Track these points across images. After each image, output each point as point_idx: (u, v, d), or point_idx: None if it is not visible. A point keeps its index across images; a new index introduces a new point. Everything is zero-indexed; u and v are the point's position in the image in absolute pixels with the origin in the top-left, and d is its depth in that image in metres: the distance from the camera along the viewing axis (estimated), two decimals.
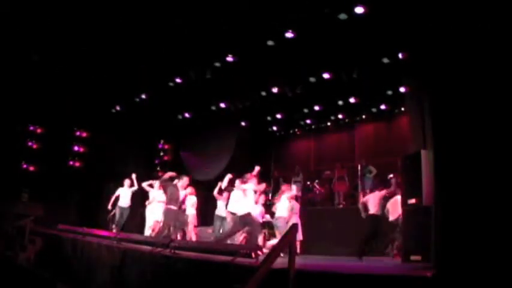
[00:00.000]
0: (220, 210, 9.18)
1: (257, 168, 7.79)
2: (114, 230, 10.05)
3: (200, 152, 14.57)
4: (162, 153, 15.42)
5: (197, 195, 9.87)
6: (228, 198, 8.35)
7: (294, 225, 4.50)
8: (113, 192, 10.77)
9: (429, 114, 4.78)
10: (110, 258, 7.50)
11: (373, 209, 8.15)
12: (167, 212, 8.08)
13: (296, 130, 15.55)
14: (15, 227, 10.23)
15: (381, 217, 8.23)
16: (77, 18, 8.40)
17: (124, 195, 10.58)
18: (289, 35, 8.62)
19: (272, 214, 9.86)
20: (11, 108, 11.41)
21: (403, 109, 11.69)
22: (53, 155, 12.95)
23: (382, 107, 12.67)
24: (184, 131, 14.70)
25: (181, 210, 9.02)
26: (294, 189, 10.61)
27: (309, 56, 9.49)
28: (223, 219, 8.95)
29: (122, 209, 10.52)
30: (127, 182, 10.73)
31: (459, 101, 3.41)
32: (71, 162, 13.49)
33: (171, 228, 8.12)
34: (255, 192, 7.88)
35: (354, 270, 4.81)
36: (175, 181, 8.47)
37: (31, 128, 12.77)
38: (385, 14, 7.67)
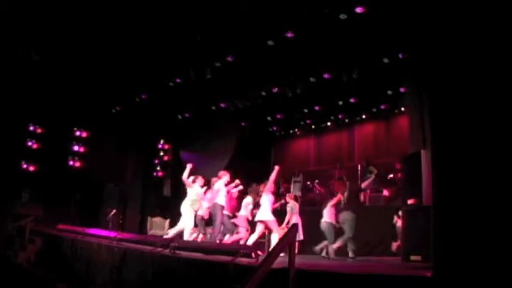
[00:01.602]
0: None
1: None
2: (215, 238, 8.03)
3: (200, 152, 14.57)
4: (162, 153, 15.39)
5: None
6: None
7: (294, 225, 4.51)
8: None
9: (429, 114, 4.78)
10: (110, 258, 7.50)
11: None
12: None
13: (296, 130, 15.56)
14: (15, 227, 10.23)
15: None
16: (77, 18, 8.39)
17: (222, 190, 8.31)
18: (289, 35, 8.62)
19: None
20: (11, 108, 11.41)
21: (403, 109, 11.69)
22: (53, 155, 12.93)
23: (382, 107, 12.68)
24: (184, 131, 14.70)
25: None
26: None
27: (309, 56, 9.49)
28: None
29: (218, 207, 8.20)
30: (225, 175, 8.50)
31: (459, 101, 3.41)
32: (71, 162, 13.47)
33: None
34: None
35: (354, 270, 4.82)
36: None
37: (31, 128, 12.76)
38: (385, 14, 7.67)
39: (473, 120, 3.28)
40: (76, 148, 13.58)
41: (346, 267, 5.59)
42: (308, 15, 8.02)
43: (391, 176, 10.83)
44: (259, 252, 5.57)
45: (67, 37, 9.15)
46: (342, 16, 7.87)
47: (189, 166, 8.50)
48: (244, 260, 5.23)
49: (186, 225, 8.30)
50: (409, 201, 5.73)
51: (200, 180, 8.78)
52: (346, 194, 8.35)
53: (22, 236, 9.91)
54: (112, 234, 9.06)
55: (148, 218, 13.18)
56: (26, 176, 12.38)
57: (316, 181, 13.05)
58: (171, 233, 8.39)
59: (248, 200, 8.43)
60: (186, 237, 8.22)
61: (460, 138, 3.34)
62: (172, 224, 13.09)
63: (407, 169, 6.07)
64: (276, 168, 8.21)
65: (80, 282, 8.09)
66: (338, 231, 8.21)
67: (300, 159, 15.06)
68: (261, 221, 7.65)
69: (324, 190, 12.72)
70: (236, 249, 5.87)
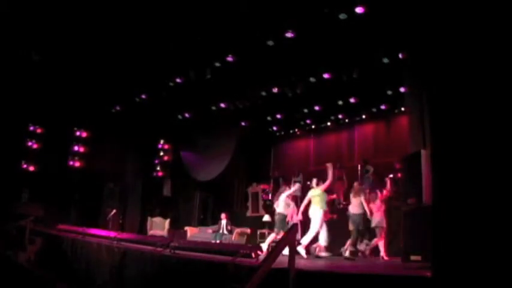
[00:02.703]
0: None
1: None
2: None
3: (200, 152, 14.58)
4: (162, 153, 15.40)
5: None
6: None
7: (294, 225, 4.52)
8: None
9: (429, 114, 4.79)
10: (110, 258, 7.50)
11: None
12: None
13: (296, 130, 15.55)
14: (15, 227, 10.23)
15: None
16: (77, 18, 8.39)
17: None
18: (289, 35, 8.62)
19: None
20: (11, 108, 11.41)
21: (403, 109, 11.69)
22: (53, 155, 12.93)
23: (382, 107, 12.68)
24: (184, 131, 14.71)
25: None
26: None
27: (309, 56, 9.49)
28: None
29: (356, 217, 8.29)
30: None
31: (459, 101, 3.41)
32: (71, 162, 13.48)
33: None
34: None
35: (354, 270, 4.82)
36: None
37: (31, 128, 12.76)
38: (385, 14, 7.67)
39: (473, 120, 3.27)
40: (76, 148, 13.58)
41: (346, 267, 5.59)
42: (308, 15, 8.02)
43: (391, 176, 10.83)
44: (259, 252, 5.57)
45: (67, 37, 9.15)
46: (342, 16, 7.87)
47: (330, 165, 7.81)
48: (244, 260, 5.23)
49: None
50: (409, 201, 5.73)
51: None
52: None
53: (22, 236, 9.90)
54: (112, 234, 9.05)
55: (148, 218, 13.20)
56: (26, 176, 12.38)
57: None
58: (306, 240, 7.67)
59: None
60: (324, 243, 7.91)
61: (460, 138, 3.34)
62: (173, 224, 13.12)
63: (407, 169, 6.06)
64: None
65: (80, 282, 8.10)
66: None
67: (300, 159, 15.05)
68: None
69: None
70: (236, 249, 5.88)
